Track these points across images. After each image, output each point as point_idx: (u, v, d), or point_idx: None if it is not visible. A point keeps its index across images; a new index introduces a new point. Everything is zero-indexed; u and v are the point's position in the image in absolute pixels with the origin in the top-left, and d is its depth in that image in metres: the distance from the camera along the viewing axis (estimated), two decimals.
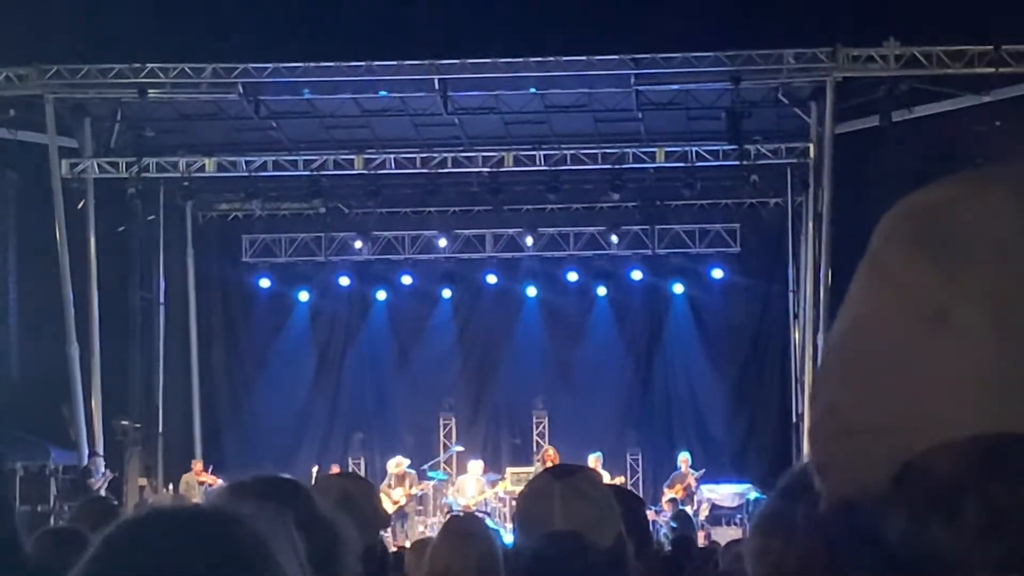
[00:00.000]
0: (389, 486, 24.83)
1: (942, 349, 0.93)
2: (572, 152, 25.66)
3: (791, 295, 27.16)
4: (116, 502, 19.46)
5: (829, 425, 1.00)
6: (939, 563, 0.93)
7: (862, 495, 0.97)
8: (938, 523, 0.93)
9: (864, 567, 0.97)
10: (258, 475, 2.73)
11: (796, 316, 26.47)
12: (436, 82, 24.65)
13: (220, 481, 24.57)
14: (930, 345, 0.94)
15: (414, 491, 25.17)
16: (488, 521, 16.73)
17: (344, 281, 29.70)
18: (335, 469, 22.70)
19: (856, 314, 1.00)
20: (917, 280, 0.95)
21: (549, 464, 24.50)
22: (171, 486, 25.99)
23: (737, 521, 24.31)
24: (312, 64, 24.45)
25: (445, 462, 27.57)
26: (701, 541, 17.15)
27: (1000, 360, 0.92)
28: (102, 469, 24.56)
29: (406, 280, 29.59)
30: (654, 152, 25.71)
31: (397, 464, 25.26)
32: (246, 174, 26.25)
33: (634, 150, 25.69)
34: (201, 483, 24.65)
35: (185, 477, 25.52)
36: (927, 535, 0.93)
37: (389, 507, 23.64)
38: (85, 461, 24.55)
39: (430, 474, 26.21)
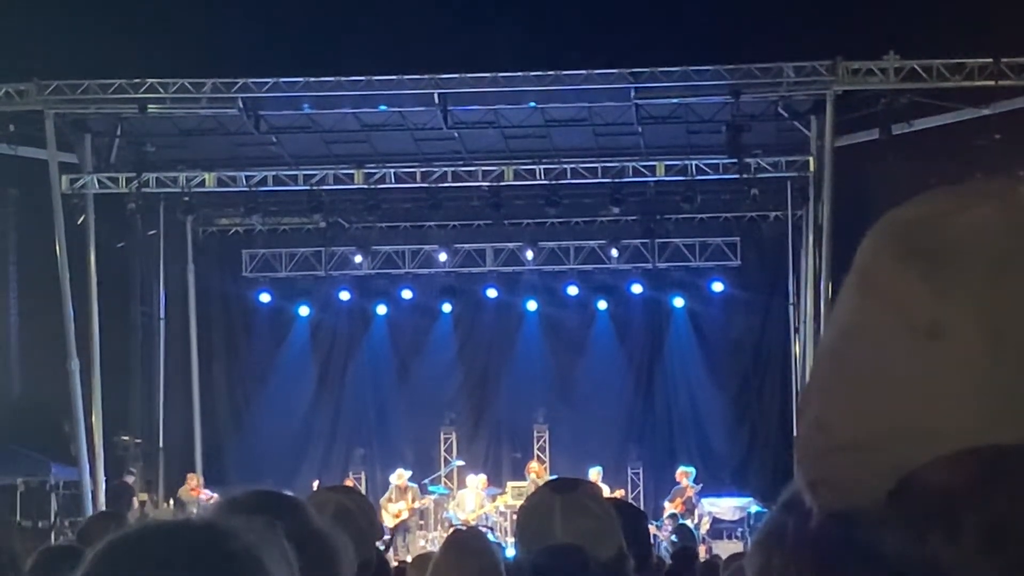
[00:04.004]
0: (390, 499, 24.80)
1: (937, 362, 0.93)
2: (572, 166, 25.65)
3: (791, 308, 27.16)
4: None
5: (818, 440, 0.99)
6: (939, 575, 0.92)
7: (857, 510, 0.96)
8: (938, 536, 0.92)
9: None
10: (252, 489, 2.71)
11: (797, 329, 26.45)
12: (436, 96, 24.65)
13: (215, 495, 24.60)
14: (924, 358, 0.93)
15: (416, 504, 25.14)
16: (489, 535, 16.71)
17: (344, 295, 29.70)
18: (349, 482, 22.71)
19: (844, 328, 0.99)
20: (907, 293, 0.95)
21: (534, 476, 24.52)
22: (172, 501, 25.98)
23: (738, 535, 24.29)
24: (312, 79, 24.45)
25: (446, 476, 27.54)
26: (703, 555, 17.12)
27: (996, 372, 0.91)
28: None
29: (406, 294, 29.60)
30: (654, 166, 25.70)
31: (399, 476, 25.25)
32: (246, 189, 26.24)
33: (634, 164, 25.68)
34: (196, 497, 24.64)
35: (180, 490, 25.53)
36: (927, 549, 0.93)
37: (388, 521, 23.62)
38: (86, 476, 24.42)
39: (431, 488, 26.21)
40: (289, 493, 2.87)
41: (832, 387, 0.99)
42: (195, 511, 22.74)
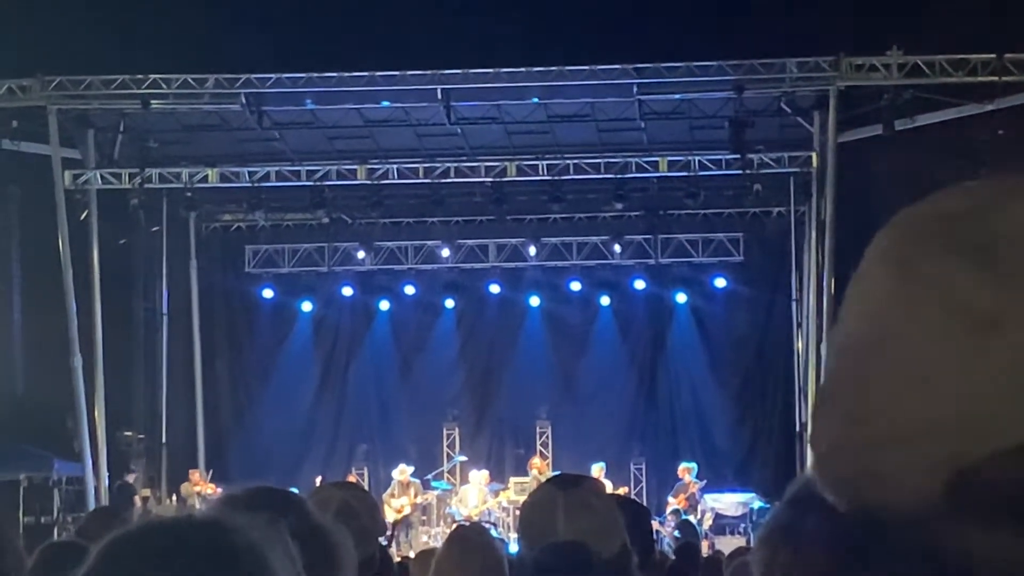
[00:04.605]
0: (393, 495, 24.81)
1: (994, 354, 0.92)
2: (575, 162, 25.64)
3: (794, 304, 27.14)
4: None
5: (855, 435, 0.98)
6: (1006, 569, 0.91)
7: (905, 505, 0.95)
8: (1005, 530, 0.92)
9: None
10: (253, 486, 2.72)
11: (799, 325, 26.44)
12: (439, 92, 24.64)
13: (219, 490, 24.62)
14: (980, 350, 0.93)
15: (419, 500, 25.16)
16: (492, 531, 16.71)
17: (347, 291, 29.71)
18: (352, 478, 22.70)
19: (879, 321, 0.98)
20: (961, 286, 0.94)
21: (536, 472, 24.52)
22: (175, 497, 25.99)
23: (741, 530, 24.29)
24: (315, 74, 24.46)
25: (448, 472, 27.55)
26: (705, 550, 17.13)
27: None
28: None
29: (409, 290, 29.59)
30: (657, 162, 25.69)
31: (401, 471, 25.25)
32: (249, 185, 26.24)
33: (637, 160, 25.67)
34: (199, 493, 24.65)
35: (183, 486, 25.54)
36: (991, 542, 0.92)
37: (391, 516, 23.62)
38: (89, 472, 24.44)
39: (434, 484, 26.21)
40: (290, 489, 2.88)
41: (870, 380, 0.98)
42: (197, 506, 22.80)
